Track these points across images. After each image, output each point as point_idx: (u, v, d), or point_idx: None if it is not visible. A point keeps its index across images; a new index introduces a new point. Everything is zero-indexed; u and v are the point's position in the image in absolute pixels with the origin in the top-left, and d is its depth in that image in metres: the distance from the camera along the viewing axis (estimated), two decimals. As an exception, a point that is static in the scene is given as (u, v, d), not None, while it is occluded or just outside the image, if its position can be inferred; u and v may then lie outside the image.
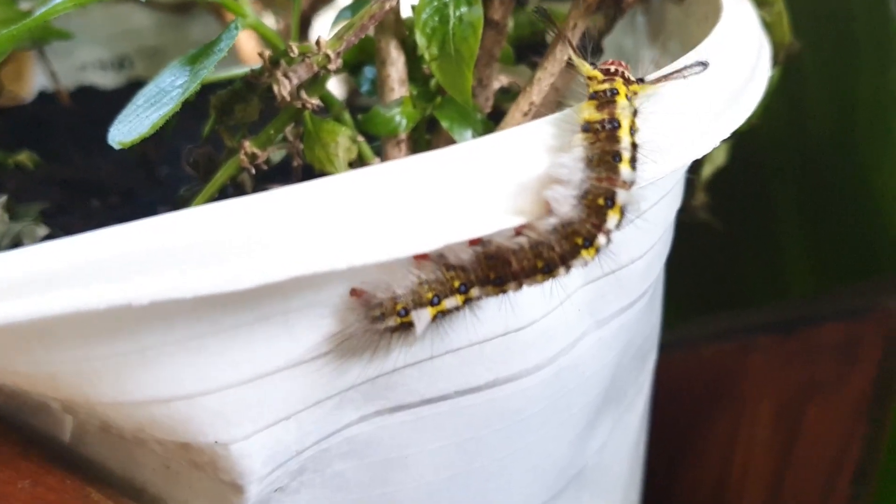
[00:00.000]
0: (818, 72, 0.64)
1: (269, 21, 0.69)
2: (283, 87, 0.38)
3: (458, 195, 0.28)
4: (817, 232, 0.69)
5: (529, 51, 0.50)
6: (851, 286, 0.65)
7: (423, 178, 0.28)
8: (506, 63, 0.48)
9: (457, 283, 0.30)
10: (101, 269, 0.25)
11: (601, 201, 0.29)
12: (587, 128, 0.30)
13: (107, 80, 0.77)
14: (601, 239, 0.29)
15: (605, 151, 0.29)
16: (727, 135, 0.35)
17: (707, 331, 0.70)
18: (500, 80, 0.48)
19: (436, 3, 0.39)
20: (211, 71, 0.34)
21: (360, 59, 0.47)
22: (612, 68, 0.32)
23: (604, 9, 0.42)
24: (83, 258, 0.25)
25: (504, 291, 0.30)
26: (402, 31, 0.44)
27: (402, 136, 0.44)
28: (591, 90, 0.32)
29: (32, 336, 0.27)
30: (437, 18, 0.39)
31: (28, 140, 0.58)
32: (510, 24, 0.46)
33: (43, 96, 0.71)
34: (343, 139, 0.40)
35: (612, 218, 0.29)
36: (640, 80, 0.32)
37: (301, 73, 0.38)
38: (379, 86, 0.44)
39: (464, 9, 0.40)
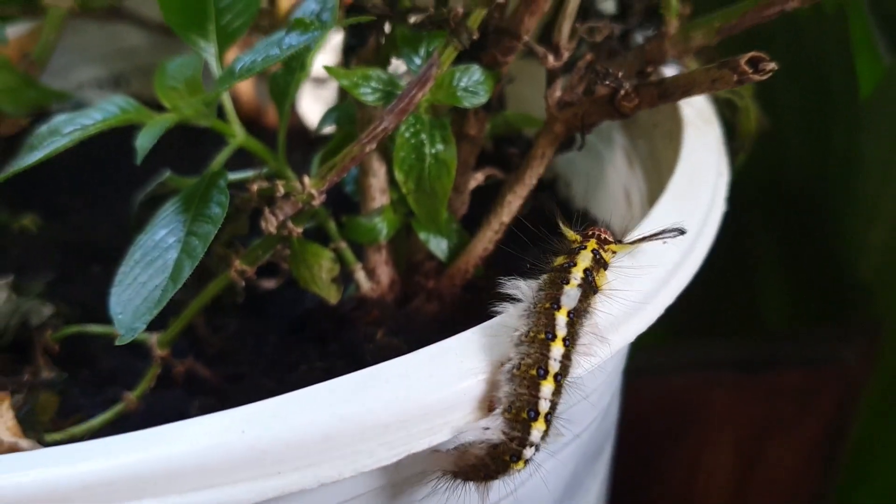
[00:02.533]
0: (797, 125, 0.66)
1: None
2: (270, 224, 0.41)
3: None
4: (793, 272, 0.72)
5: (505, 143, 0.53)
6: (814, 333, 0.68)
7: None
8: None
9: None
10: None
11: (524, 414, 0.31)
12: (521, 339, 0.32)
13: (104, 98, 0.79)
14: (528, 452, 0.31)
15: (532, 364, 0.31)
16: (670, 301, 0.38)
17: (676, 360, 0.74)
18: (477, 179, 0.50)
19: (413, 142, 0.42)
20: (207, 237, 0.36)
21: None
22: (590, 231, 0.35)
23: (571, 135, 0.44)
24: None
25: None
26: (384, 142, 0.46)
27: (383, 242, 0.47)
28: (554, 263, 0.35)
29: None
30: (413, 156, 0.42)
31: (26, 180, 0.61)
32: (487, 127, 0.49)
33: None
34: (325, 262, 0.43)
35: (536, 430, 0.31)
36: (619, 241, 0.36)
37: (286, 209, 0.41)
38: (361, 194, 0.47)
39: (439, 146, 0.42)
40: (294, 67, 0.43)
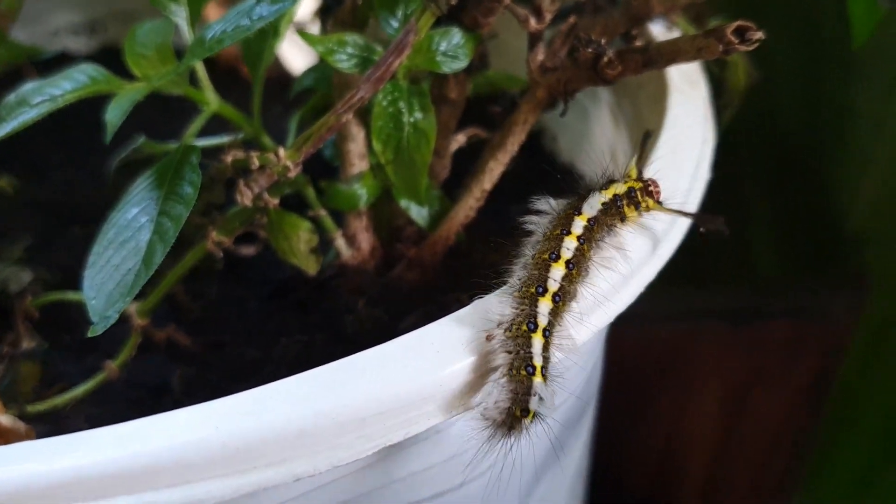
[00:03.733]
0: (788, 73, 0.65)
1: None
2: (245, 197, 0.40)
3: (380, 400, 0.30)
4: (783, 222, 0.72)
5: (489, 101, 0.52)
6: (801, 284, 0.68)
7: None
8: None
9: None
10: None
11: (518, 412, 0.31)
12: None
13: (80, 44, 0.77)
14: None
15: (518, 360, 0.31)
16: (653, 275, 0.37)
17: (662, 310, 0.74)
18: (458, 141, 0.49)
19: (390, 110, 0.41)
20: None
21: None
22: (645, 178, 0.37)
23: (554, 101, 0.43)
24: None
25: None
26: (361, 107, 0.45)
27: (363, 208, 0.46)
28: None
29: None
30: (391, 125, 0.41)
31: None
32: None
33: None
34: (304, 233, 0.43)
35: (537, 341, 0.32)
36: (658, 201, 0.37)
37: (261, 182, 0.40)
38: (340, 160, 0.46)
39: (418, 115, 0.41)
40: (267, 32, 0.42)
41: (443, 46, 0.42)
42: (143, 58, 0.41)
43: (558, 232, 0.34)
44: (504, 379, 0.31)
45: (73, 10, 0.76)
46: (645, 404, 0.74)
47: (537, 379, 0.31)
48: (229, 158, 0.41)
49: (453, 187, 0.48)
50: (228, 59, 0.73)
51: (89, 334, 0.34)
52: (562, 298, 0.33)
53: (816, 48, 0.62)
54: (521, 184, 0.43)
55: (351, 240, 0.46)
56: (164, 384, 0.46)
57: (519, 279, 0.33)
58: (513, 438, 0.31)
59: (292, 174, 0.40)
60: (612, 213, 0.35)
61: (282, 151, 0.40)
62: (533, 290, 0.33)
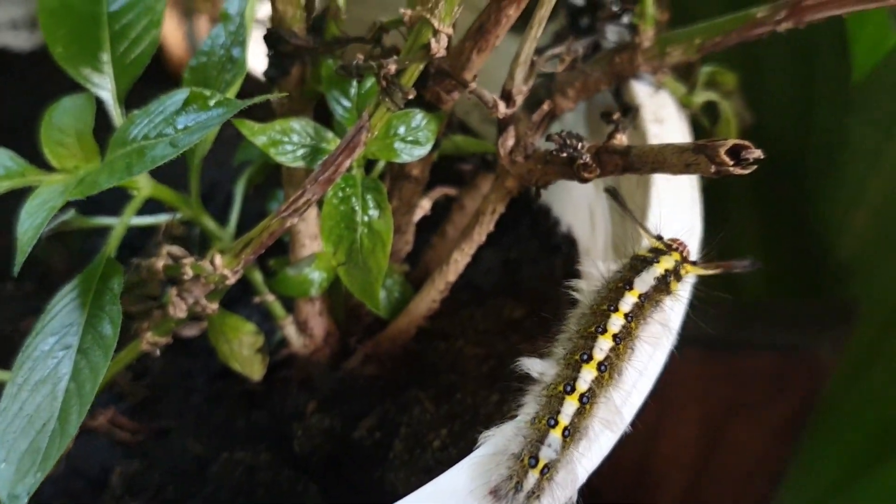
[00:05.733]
0: (781, 106, 0.60)
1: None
2: (178, 309, 0.36)
3: None
4: (771, 248, 0.68)
5: (457, 159, 0.47)
6: (786, 315, 0.65)
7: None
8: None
9: None
10: None
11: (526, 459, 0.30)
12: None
13: (20, 41, 0.71)
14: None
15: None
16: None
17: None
18: (423, 208, 0.45)
19: (342, 209, 0.36)
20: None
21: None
22: (674, 244, 0.34)
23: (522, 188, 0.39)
24: None
25: None
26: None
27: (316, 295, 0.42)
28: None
29: None
30: (343, 225, 0.36)
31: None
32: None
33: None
34: (246, 337, 0.39)
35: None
36: (694, 263, 0.35)
37: (196, 293, 0.36)
38: (290, 241, 0.42)
39: (372, 213, 0.37)
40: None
41: (402, 130, 0.37)
42: (62, 146, 0.36)
43: (605, 307, 0.32)
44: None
45: (12, 4, 0.70)
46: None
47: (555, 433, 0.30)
48: (160, 264, 0.37)
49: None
50: (180, 62, 0.67)
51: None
52: (608, 369, 0.32)
53: (811, 79, 0.58)
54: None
55: (302, 326, 0.43)
56: (106, 475, 0.43)
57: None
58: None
59: (231, 281, 0.36)
60: (661, 289, 0.33)
61: (218, 259, 0.36)
62: (578, 357, 0.32)
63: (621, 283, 0.33)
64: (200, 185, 0.57)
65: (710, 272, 0.35)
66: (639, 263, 0.34)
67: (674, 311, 0.34)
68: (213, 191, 0.55)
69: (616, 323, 0.32)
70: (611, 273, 0.34)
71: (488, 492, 0.30)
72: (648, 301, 0.33)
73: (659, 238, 0.35)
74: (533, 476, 0.30)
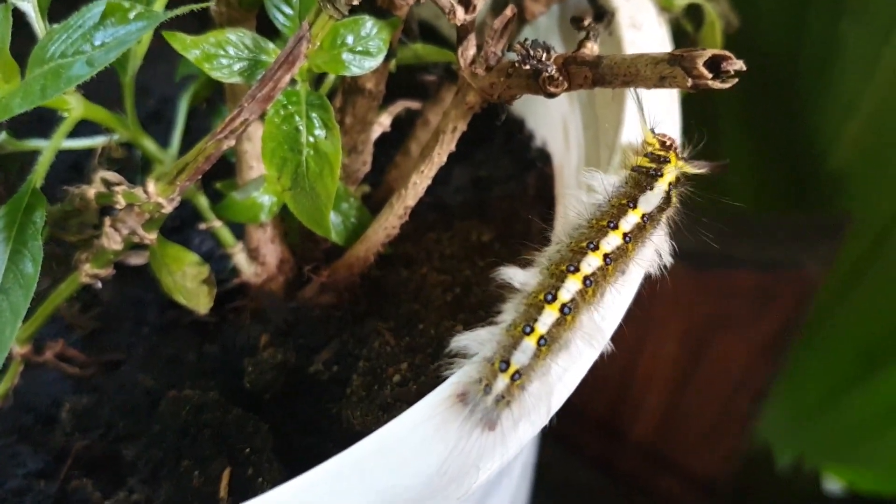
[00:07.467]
0: (773, 9, 0.57)
1: None
2: (113, 241, 0.33)
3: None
4: (761, 157, 0.65)
5: (420, 70, 0.44)
6: (773, 230, 0.63)
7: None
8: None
9: None
10: None
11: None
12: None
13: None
14: None
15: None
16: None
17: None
18: (382, 125, 0.42)
19: (285, 128, 0.33)
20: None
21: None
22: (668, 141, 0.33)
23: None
24: None
25: None
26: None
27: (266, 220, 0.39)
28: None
29: None
30: (286, 147, 0.33)
31: None
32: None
33: None
34: (190, 268, 0.36)
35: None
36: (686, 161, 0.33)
37: (130, 223, 0.33)
38: (236, 163, 0.39)
39: (319, 133, 0.34)
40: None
41: (350, 40, 0.34)
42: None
43: (605, 223, 0.31)
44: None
45: None
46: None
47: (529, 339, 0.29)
48: (92, 192, 0.34)
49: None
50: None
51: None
52: (593, 284, 0.30)
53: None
54: (464, 142, 0.36)
55: (253, 253, 0.40)
56: (57, 410, 0.41)
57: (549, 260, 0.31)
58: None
59: (167, 209, 0.33)
60: (663, 208, 0.32)
61: (151, 186, 0.33)
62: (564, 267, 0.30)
63: (625, 199, 0.32)
64: (150, 103, 0.54)
65: (699, 170, 0.34)
66: (642, 178, 0.32)
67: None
68: (164, 107, 0.51)
69: (613, 241, 0.31)
70: (612, 187, 0.32)
71: (456, 396, 0.28)
72: (651, 221, 0.32)
73: (652, 131, 0.33)
74: (503, 380, 0.28)
